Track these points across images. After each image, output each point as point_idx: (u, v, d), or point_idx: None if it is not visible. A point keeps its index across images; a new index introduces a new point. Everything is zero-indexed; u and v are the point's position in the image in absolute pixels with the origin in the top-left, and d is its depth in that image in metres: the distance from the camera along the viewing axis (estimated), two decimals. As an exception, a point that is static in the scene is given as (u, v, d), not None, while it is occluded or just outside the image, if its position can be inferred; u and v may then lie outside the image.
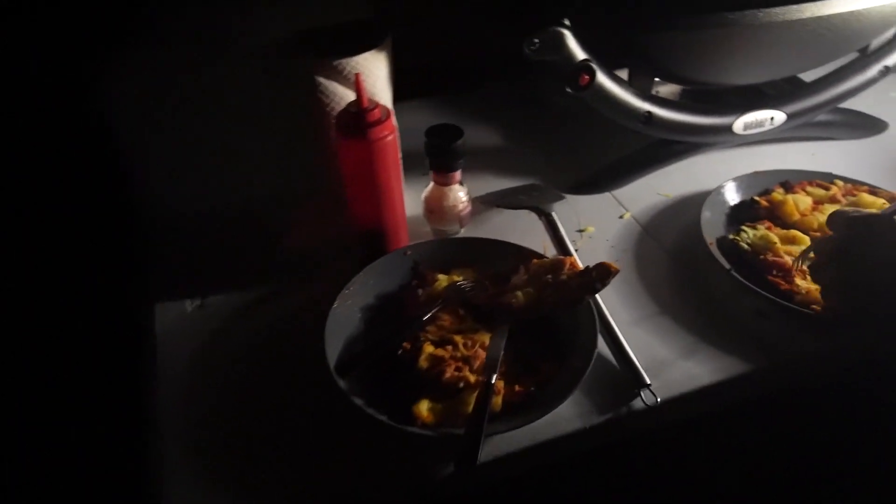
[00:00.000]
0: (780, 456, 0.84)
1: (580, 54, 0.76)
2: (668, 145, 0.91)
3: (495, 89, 1.11)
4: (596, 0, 0.76)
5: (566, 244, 0.77)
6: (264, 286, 0.77)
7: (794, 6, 0.72)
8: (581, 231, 0.84)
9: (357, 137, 0.69)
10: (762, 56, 0.82)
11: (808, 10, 0.72)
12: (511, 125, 1.04)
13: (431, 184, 0.82)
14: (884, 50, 0.87)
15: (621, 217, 0.86)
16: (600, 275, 0.68)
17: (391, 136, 0.71)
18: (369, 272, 0.74)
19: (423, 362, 0.65)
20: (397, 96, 0.81)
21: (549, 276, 0.71)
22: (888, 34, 0.86)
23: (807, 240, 0.76)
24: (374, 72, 0.75)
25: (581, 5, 0.76)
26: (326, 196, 0.78)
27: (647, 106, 0.82)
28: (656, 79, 0.85)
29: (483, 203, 0.86)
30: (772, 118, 0.88)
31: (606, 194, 0.90)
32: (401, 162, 0.76)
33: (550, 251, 0.80)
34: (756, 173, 0.87)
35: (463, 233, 0.84)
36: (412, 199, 0.85)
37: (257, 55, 0.74)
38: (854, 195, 0.82)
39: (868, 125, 0.98)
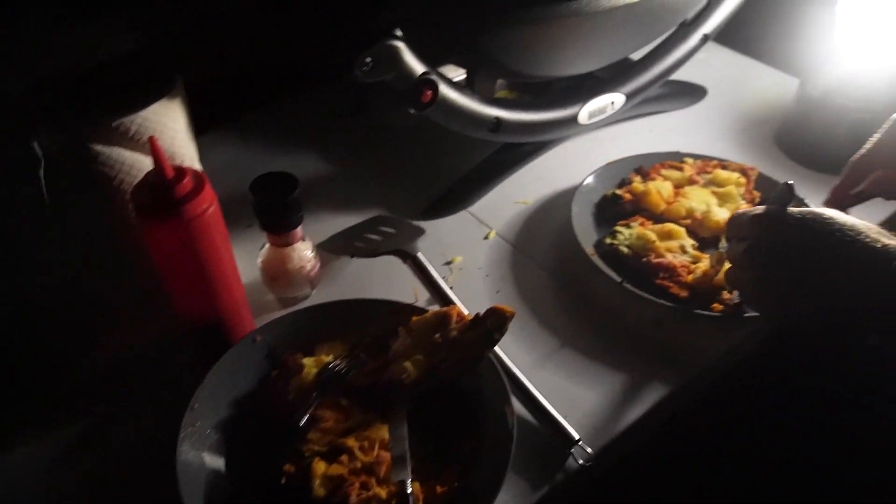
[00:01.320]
0: (729, 461, 0.82)
1: (419, 68, 0.65)
2: (516, 148, 0.83)
3: (312, 100, 0.96)
4: (428, 3, 0.65)
5: (443, 289, 0.66)
6: (68, 424, 0.58)
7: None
8: (449, 263, 0.74)
9: (167, 219, 0.53)
10: (599, 42, 0.77)
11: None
12: (341, 144, 0.90)
13: (267, 246, 0.67)
14: (700, 19, 0.86)
15: (486, 237, 0.77)
16: (495, 322, 0.59)
17: (212, 208, 0.55)
18: (215, 377, 0.58)
19: (318, 489, 0.52)
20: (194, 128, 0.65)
21: (437, 335, 0.60)
22: (702, 4, 0.84)
23: (681, 232, 0.72)
24: (170, 125, 0.58)
25: (412, 10, 0.64)
26: (138, 291, 0.61)
27: (494, 111, 0.74)
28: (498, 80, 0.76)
29: (330, 252, 0.73)
30: (612, 102, 0.84)
31: (464, 213, 0.80)
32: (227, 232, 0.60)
33: (423, 295, 0.69)
34: (609, 164, 0.82)
35: (315, 295, 0.70)
36: (243, 261, 0.69)
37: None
38: (708, 172, 0.80)
39: (691, 93, 0.98)
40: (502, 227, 0.79)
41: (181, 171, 0.54)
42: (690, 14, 0.85)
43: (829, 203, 0.68)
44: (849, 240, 0.53)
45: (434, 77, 0.66)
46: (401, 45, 0.62)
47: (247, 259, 0.69)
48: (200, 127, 0.68)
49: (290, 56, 0.85)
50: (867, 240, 0.52)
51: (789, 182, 0.57)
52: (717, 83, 1.00)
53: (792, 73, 1.01)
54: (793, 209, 0.57)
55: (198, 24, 0.77)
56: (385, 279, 0.71)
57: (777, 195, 0.58)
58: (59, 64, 0.57)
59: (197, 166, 0.63)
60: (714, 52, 1.07)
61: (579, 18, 0.68)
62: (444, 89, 0.68)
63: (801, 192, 0.80)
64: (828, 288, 0.54)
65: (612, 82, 0.84)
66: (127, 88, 0.57)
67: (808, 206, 0.65)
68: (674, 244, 0.71)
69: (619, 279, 0.68)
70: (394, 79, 0.64)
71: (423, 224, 0.78)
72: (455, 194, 0.81)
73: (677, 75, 0.90)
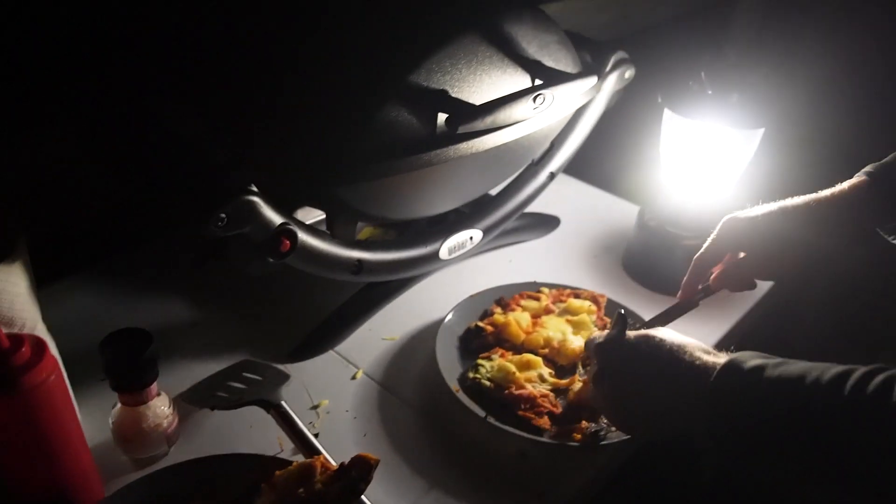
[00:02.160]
0: None
1: (277, 219, 0.66)
2: (381, 286, 0.85)
3: (169, 246, 0.95)
4: (283, 158, 0.67)
5: (307, 438, 0.65)
6: None
7: (478, 139, 0.72)
8: (315, 407, 0.73)
9: (3, 391, 0.50)
10: (455, 186, 0.81)
11: (490, 141, 0.73)
12: (201, 288, 0.89)
13: (119, 405, 0.64)
14: (545, 159, 0.94)
15: (354, 377, 0.77)
16: (360, 472, 0.58)
17: (53, 376, 0.52)
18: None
19: None
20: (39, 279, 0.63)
21: (301, 490, 0.58)
22: (546, 146, 0.92)
23: (538, 361, 0.76)
24: (9, 289, 0.55)
25: (265, 168, 0.66)
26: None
27: (356, 254, 0.76)
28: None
29: (190, 404, 0.70)
30: (471, 237, 0.89)
31: (331, 353, 0.80)
32: (72, 398, 0.57)
33: (288, 445, 0.68)
34: (471, 297, 0.86)
35: (174, 453, 0.67)
36: (95, 419, 0.66)
37: None
38: (563, 300, 0.85)
39: (546, 223, 1.05)
40: (369, 365, 0.79)
41: (18, 340, 0.51)
42: (537, 155, 0.93)
43: (682, 297, 0.75)
44: (675, 358, 0.59)
45: (293, 227, 0.67)
46: (257, 199, 0.64)
47: (99, 417, 0.66)
48: (50, 277, 0.65)
49: (141, 209, 0.85)
50: (690, 357, 0.59)
51: (621, 311, 0.65)
52: (569, 213, 1.08)
53: (635, 202, 1.11)
54: (630, 333, 0.64)
55: (42, 184, 0.76)
56: (249, 430, 0.69)
57: (615, 322, 0.64)
58: None
59: (40, 328, 0.60)
60: (567, 183, 1.16)
61: (434, 167, 0.73)
62: (304, 237, 0.69)
63: (645, 311, 0.88)
64: (660, 401, 0.60)
65: (469, 219, 0.89)
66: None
67: (648, 323, 0.71)
68: (532, 374, 0.74)
69: (483, 414, 0.70)
70: (251, 231, 0.65)
71: (289, 367, 0.78)
72: (321, 335, 0.81)
73: (534, 207, 0.97)
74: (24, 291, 0.57)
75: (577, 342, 0.78)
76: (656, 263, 0.94)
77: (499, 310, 0.84)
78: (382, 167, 0.69)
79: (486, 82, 0.73)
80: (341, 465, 0.59)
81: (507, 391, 0.72)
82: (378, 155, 0.69)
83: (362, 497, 0.60)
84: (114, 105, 0.75)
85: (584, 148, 0.97)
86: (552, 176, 0.95)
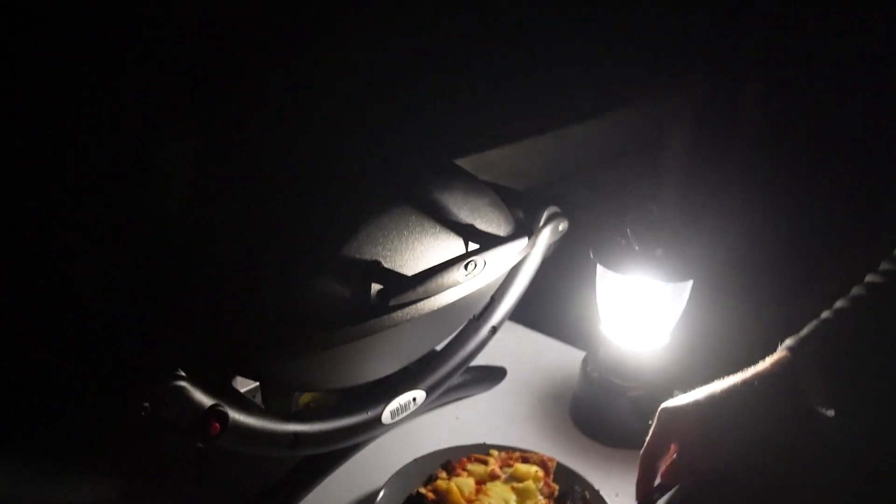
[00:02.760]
0: None
1: (207, 401, 0.64)
2: (320, 458, 0.82)
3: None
4: (210, 335, 0.66)
5: None
6: None
7: (413, 307, 0.72)
8: None
9: None
10: (398, 348, 0.81)
11: (426, 308, 0.73)
12: (114, 474, 0.83)
13: None
14: (486, 314, 0.95)
15: (291, 563, 0.73)
16: None
17: None
18: None
19: None
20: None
21: None
22: (486, 301, 0.94)
23: (478, 534, 0.73)
24: None
25: (191, 344, 0.65)
26: None
27: (292, 427, 0.73)
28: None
29: None
30: (414, 399, 0.87)
31: (266, 536, 0.76)
32: None
33: None
34: (416, 461, 0.83)
35: None
36: None
37: None
38: (510, 465, 0.82)
39: (493, 376, 1.04)
40: (309, 547, 0.75)
41: None
42: (477, 310, 0.94)
43: (638, 499, 0.74)
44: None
45: (223, 407, 0.65)
46: (184, 384, 0.62)
47: None
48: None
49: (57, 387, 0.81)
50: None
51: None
52: (515, 362, 1.08)
53: (580, 347, 1.12)
54: None
55: None
56: None
57: None
58: None
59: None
60: (512, 331, 1.17)
61: (371, 337, 0.72)
62: (235, 416, 0.67)
63: (596, 468, 0.86)
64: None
65: (412, 379, 0.88)
66: None
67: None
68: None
69: None
70: (177, 415, 0.62)
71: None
72: (257, 514, 0.77)
73: (479, 359, 0.96)
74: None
75: (520, 512, 0.75)
76: (603, 415, 0.93)
77: (444, 474, 0.82)
78: (315, 340, 0.68)
79: (418, 250, 0.75)
80: None
81: (447, 571, 0.68)
82: (310, 328, 0.68)
83: None
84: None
85: (527, 295, 0.99)
86: (494, 330, 0.96)
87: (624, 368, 0.91)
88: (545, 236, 0.96)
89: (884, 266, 0.71)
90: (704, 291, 0.88)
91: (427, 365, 0.91)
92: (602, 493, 0.79)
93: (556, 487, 0.80)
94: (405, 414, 0.87)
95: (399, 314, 0.71)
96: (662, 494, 0.73)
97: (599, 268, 0.88)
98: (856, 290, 0.70)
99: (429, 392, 0.89)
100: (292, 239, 0.70)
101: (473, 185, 0.85)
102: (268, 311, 0.67)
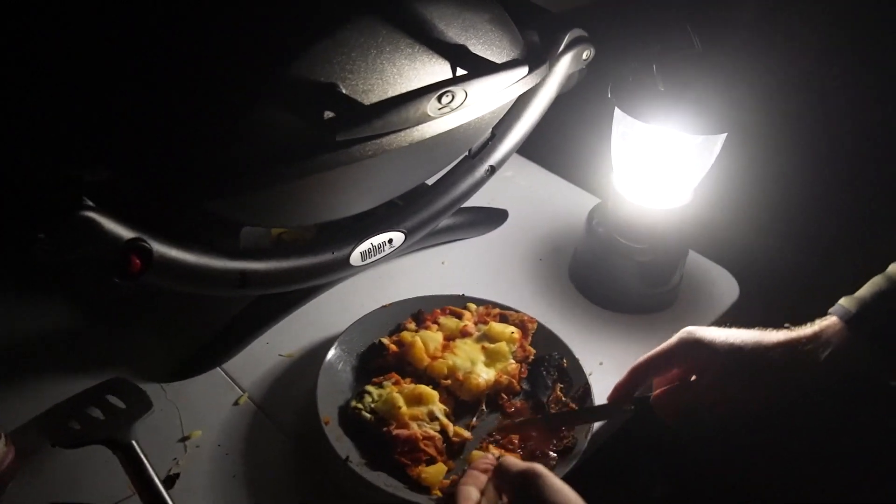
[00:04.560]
0: None
1: (126, 233, 0.56)
2: (280, 295, 0.76)
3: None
4: (130, 164, 0.57)
5: (156, 488, 0.57)
6: None
7: (375, 143, 0.61)
8: (185, 439, 0.65)
9: None
10: (368, 185, 0.71)
11: (392, 144, 0.62)
12: (70, 294, 0.79)
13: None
14: (485, 151, 0.82)
15: (237, 403, 0.69)
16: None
17: None
18: None
19: None
20: None
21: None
22: (486, 135, 0.81)
23: (434, 395, 0.66)
24: None
25: (105, 167, 0.56)
26: None
27: (238, 265, 0.66)
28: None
29: (41, 434, 0.62)
30: (390, 240, 0.78)
31: (217, 371, 0.72)
32: None
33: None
34: (383, 308, 0.76)
35: (9, 496, 0.59)
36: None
37: None
38: (486, 322, 0.75)
39: (490, 219, 0.94)
40: (258, 388, 0.71)
41: None
42: (474, 146, 0.82)
43: (611, 397, 0.65)
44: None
45: (146, 241, 0.58)
46: (92, 214, 0.54)
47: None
48: None
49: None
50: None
51: None
52: (520, 203, 0.97)
53: (595, 193, 1.00)
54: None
55: None
56: (102, 467, 0.61)
57: None
58: None
59: None
60: (523, 168, 1.05)
61: (326, 173, 0.62)
62: (164, 251, 0.59)
63: (587, 330, 0.78)
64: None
65: (388, 220, 0.78)
66: None
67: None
68: (422, 410, 0.65)
69: (343, 456, 0.61)
70: (92, 250, 0.55)
71: (167, 388, 0.69)
72: (210, 350, 0.73)
73: (481, 195, 0.86)
74: None
75: (485, 375, 0.68)
76: (604, 277, 0.83)
77: (412, 325, 0.75)
78: (253, 174, 0.58)
79: (388, 74, 0.62)
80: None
81: (386, 428, 0.63)
82: (249, 158, 0.58)
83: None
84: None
85: (541, 129, 0.85)
86: (492, 170, 0.84)
87: (634, 227, 0.79)
88: (565, 63, 0.81)
89: None
90: (739, 145, 0.73)
91: (410, 204, 0.81)
92: (584, 361, 0.72)
93: (533, 352, 0.73)
94: (380, 256, 0.79)
95: (355, 150, 0.60)
96: (638, 411, 0.65)
97: (617, 111, 0.74)
98: None
99: (409, 234, 0.80)
100: (230, 52, 0.57)
101: (473, -7, 0.69)
102: (199, 134, 0.57)
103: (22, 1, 0.58)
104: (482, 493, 0.51)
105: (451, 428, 0.65)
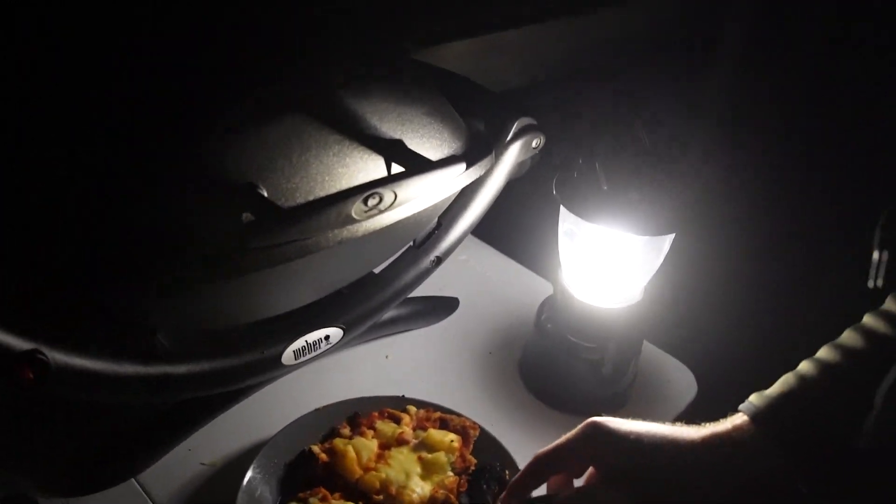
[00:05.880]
0: None
1: (21, 345, 0.52)
2: (203, 399, 0.71)
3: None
4: (34, 267, 0.53)
5: None
6: None
7: (299, 244, 0.57)
8: (83, 565, 0.59)
9: None
10: (310, 279, 0.68)
11: (351, 233, 0.58)
12: None
13: None
14: (430, 242, 0.79)
15: (147, 520, 0.64)
16: None
17: None
18: None
19: None
20: None
21: None
22: (431, 225, 0.78)
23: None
24: None
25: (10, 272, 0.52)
26: None
27: (153, 370, 0.61)
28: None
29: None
30: (327, 337, 0.74)
31: (130, 483, 0.66)
32: None
33: None
34: (316, 411, 0.72)
35: None
36: None
37: None
38: (424, 428, 0.70)
39: (439, 308, 0.91)
40: (173, 502, 0.65)
41: None
42: (419, 236, 0.79)
43: (505, 500, 0.60)
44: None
45: (43, 354, 0.53)
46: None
47: None
48: None
49: None
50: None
51: None
52: (473, 290, 0.94)
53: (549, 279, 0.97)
54: None
55: None
56: None
57: None
58: None
59: None
60: (476, 251, 1.02)
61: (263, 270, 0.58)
62: (62, 358, 0.55)
63: (535, 433, 0.74)
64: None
65: (325, 314, 0.74)
66: None
67: None
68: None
69: None
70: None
71: (77, 502, 0.64)
72: (121, 460, 0.67)
73: (431, 284, 0.82)
74: None
75: (419, 490, 0.63)
76: (554, 375, 0.79)
77: (347, 430, 0.70)
78: (169, 281, 0.54)
79: (313, 172, 0.58)
80: None
81: (309, 556, 0.58)
82: (162, 262, 0.54)
83: None
84: None
85: (496, 212, 0.82)
86: (439, 260, 0.80)
87: (584, 325, 0.76)
88: (513, 154, 0.79)
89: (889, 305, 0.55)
90: (687, 243, 0.71)
91: (351, 297, 0.77)
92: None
93: (473, 462, 0.68)
94: (315, 353, 0.74)
95: (274, 254, 0.56)
96: None
97: (562, 208, 0.71)
98: (823, 354, 0.57)
99: (348, 329, 0.76)
100: (143, 142, 0.54)
101: (409, 87, 0.67)
102: (106, 230, 0.53)
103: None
104: None
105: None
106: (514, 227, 0.99)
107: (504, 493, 0.61)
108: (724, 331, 0.62)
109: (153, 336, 0.63)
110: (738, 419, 0.55)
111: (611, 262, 0.71)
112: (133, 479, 0.67)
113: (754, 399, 0.55)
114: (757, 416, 0.54)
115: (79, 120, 0.55)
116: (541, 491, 0.61)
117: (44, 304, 0.55)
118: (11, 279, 0.53)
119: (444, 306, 0.91)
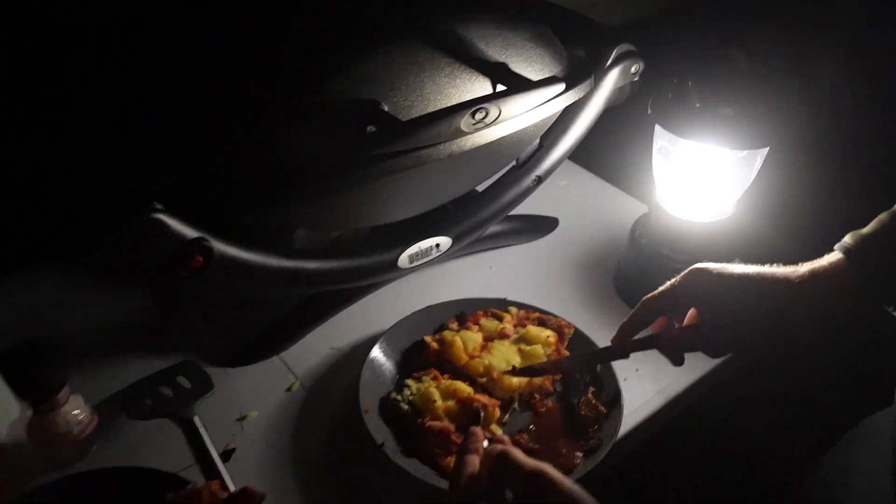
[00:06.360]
0: None
1: (190, 233, 0.64)
2: (334, 294, 0.82)
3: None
4: (190, 174, 0.64)
5: (211, 460, 0.65)
6: None
7: (413, 155, 0.65)
8: (242, 419, 0.72)
9: None
10: (422, 190, 0.76)
11: (430, 156, 0.66)
12: (149, 285, 0.89)
13: (30, 411, 0.65)
14: (532, 161, 0.85)
15: (289, 389, 0.76)
16: (241, 506, 0.57)
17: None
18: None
19: None
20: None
21: (185, 516, 0.58)
22: (533, 146, 0.84)
23: (469, 391, 0.70)
24: None
25: (171, 177, 0.63)
26: None
27: (291, 264, 0.73)
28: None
29: (121, 410, 0.71)
30: (437, 245, 0.83)
31: (274, 360, 0.79)
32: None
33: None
34: (429, 308, 0.81)
35: (92, 457, 0.68)
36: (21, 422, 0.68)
37: None
38: (524, 325, 0.78)
39: (540, 227, 0.97)
40: (309, 376, 0.77)
41: None
42: (522, 155, 0.85)
43: (615, 339, 0.67)
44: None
45: (208, 241, 0.65)
46: (162, 216, 0.61)
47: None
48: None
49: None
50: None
51: None
52: (572, 212, 1.00)
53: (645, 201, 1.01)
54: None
55: None
56: (167, 439, 0.69)
57: None
58: None
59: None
60: (575, 176, 1.07)
61: (370, 183, 0.67)
62: (224, 248, 0.66)
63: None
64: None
65: (436, 225, 0.83)
66: None
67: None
68: (453, 405, 0.69)
69: (379, 442, 0.66)
70: (158, 249, 0.62)
71: (228, 372, 0.77)
72: (268, 339, 0.80)
73: (532, 201, 0.89)
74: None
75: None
76: (647, 288, 0.84)
77: (454, 325, 0.79)
78: (297, 189, 0.65)
79: (427, 91, 0.67)
80: (228, 496, 0.58)
81: (420, 420, 0.68)
82: (295, 170, 0.64)
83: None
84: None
85: (594, 138, 0.88)
86: (539, 180, 0.87)
87: (676, 240, 0.81)
88: (612, 78, 0.83)
89: None
90: (782, 159, 0.73)
91: (459, 210, 0.86)
92: (621, 368, 0.74)
93: (569, 354, 0.76)
94: (427, 259, 0.84)
95: (393, 163, 0.65)
96: (639, 350, 0.66)
97: (657, 126, 0.75)
98: None
99: (456, 239, 0.85)
100: (283, 70, 0.64)
101: (513, 15, 0.73)
102: (253, 144, 0.64)
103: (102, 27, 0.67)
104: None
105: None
106: (610, 152, 1.03)
107: (615, 335, 0.67)
108: (813, 245, 0.65)
109: (292, 235, 0.74)
110: (834, 257, 0.58)
111: (703, 178, 0.75)
112: (277, 357, 0.79)
113: (849, 238, 0.58)
114: (850, 253, 0.56)
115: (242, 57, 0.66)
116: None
117: (210, 205, 0.66)
118: (184, 186, 0.64)
119: (544, 225, 0.98)
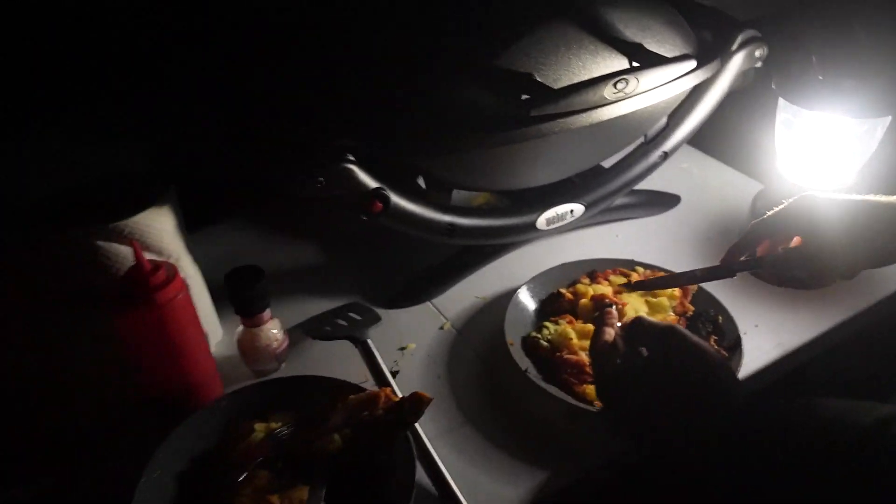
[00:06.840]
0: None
1: (371, 183, 0.77)
2: (479, 249, 0.93)
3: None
4: (376, 132, 0.77)
5: (383, 372, 0.77)
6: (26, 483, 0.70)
7: (561, 121, 0.76)
8: (402, 349, 0.84)
9: (142, 305, 0.66)
10: (553, 159, 0.86)
11: (574, 123, 0.77)
12: (324, 239, 1.04)
13: (241, 326, 0.80)
14: (660, 138, 0.94)
15: (442, 328, 0.87)
16: (413, 406, 0.68)
17: (181, 294, 0.68)
18: (179, 434, 0.70)
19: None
20: (202, 222, 0.79)
21: (366, 413, 0.70)
22: (661, 123, 0.93)
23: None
24: (157, 226, 0.72)
25: (360, 137, 0.76)
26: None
27: (448, 218, 0.84)
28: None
29: (304, 332, 0.85)
30: (571, 210, 0.93)
31: (427, 304, 0.91)
32: (198, 315, 0.73)
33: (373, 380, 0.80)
34: (564, 265, 0.91)
35: (283, 369, 0.82)
36: (229, 336, 0.82)
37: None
38: (650, 282, 0.87)
39: (663, 202, 1.05)
40: (457, 318, 0.88)
41: (157, 265, 0.68)
42: (650, 132, 0.94)
43: (724, 260, 0.74)
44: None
45: (386, 191, 0.78)
46: (352, 166, 0.75)
47: (232, 334, 0.82)
48: (199, 223, 0.83)
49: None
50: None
51: None
52: (692, 191, 1.07)
53: (762, 181, 1.07)
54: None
55: (188, 149, 0.95)
56: (345, 359, 0.82)
57: None
58: (72, 176, 0.74)
59: (185, 260, 0.77)
60: (695, 160, 1.15)
61: (524, 143, 0.79)
62: (397, 199, 0.79)
63: (745, 298, 0.87)
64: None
65: (571, 192, 0.93)
66: (125, 197, 0.72)
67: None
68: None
69: (523, 368, 0.76)
70: (347, 192, 0.76)
71: (389, 312, 0.89)
72: (419, 287, 0.92)
73: (655, 180, 0.98)
74: (171, 229, 0.74)
75: (648, 321, 0.81)
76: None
77: (586, 280, 0.89)
78: (464, 140, 0.76)
79: (573, 66, 0.77)
80: (401, 399, 0.70)
81: (558, 353, 0.77)
82: (462, 129, 0.76)
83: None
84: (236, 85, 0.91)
85: (713, 123, 0.95)
86: (665, 155, 0.96)
87: (796, 207, 0.87)
88: (737, 62, 0.91)
89: None
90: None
91: (591, 180, 0.95)
92: (740, 322, 0.81)
93: (692, 309, 0.84)
94: (562, 223, 0.94)
95: (544, 126, 0.76)
96: (745, 269, 0.73)
97: (781, 100, 0.83)
98: None
99: (588, 207, 0.94)
100: (452, 45, 0.76)
101: (648, 2, 0.82)
102: (427, 109, 0.76)
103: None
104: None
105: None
106: (725, 136, 1.10)
107: (723, 255, 0.74)
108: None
109: (450, 192, 0.86)
110: None
111: (825, 148, 0.82)
112: (430, 302, 0.91)
113: None
114: None
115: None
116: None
117: (384, 162, 0.79)
118: (367, 146, 0.78)
119: (667, 200, 1.06)
